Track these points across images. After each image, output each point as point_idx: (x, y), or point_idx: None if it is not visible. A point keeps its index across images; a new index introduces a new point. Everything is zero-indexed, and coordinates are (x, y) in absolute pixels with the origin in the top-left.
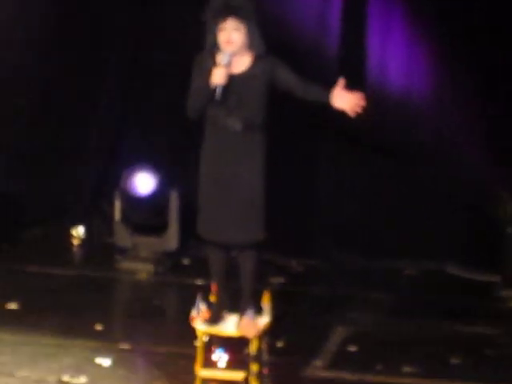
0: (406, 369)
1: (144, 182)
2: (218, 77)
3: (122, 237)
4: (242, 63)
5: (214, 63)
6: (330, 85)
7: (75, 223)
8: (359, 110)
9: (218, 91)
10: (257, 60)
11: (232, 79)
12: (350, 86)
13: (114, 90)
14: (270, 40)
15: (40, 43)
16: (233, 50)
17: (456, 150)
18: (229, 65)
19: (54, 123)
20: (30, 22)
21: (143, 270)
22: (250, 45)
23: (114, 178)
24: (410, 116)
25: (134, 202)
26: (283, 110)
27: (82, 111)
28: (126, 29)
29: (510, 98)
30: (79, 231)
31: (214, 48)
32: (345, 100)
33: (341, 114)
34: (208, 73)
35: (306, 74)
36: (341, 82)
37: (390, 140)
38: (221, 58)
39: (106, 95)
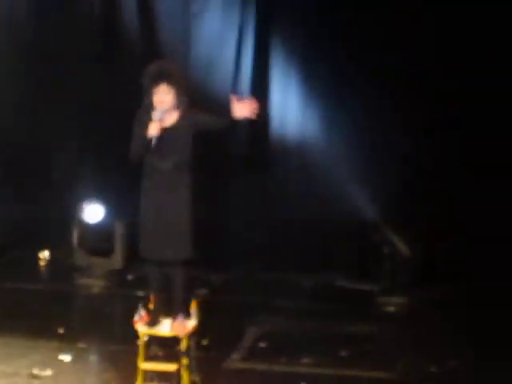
0: (305, 360)
1: (94, 213)
2: (153, 130)
3: (80, 258)
4: (172, 118)
5: (149, 119)
6: None
7: (42, 248)
8: (256, 111)
9: (154, 141)
10: (182, 115)
11: (164, 131)
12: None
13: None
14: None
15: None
16: (164, 109)
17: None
18: (161, 120)
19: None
20: None
21: (96, 285)
22: (178, 104)
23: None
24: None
25: (87, 230)
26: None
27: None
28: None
29: None
30: (45, 254)
31: (150, 107)
32: (242, 109)
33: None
34: (145, 126)
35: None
36: (232, 98)
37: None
38: (155, 115)
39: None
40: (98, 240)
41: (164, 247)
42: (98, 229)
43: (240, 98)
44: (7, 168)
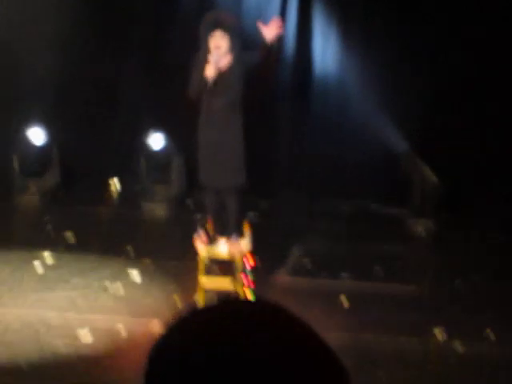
0: (344, 274)
1: (157, 143)
2: (210, 71)
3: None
4: (226, 61)
5: (206, 61)
6: None
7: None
8: (281, 28)
9: (210, 81)
10: (235, 59)
11: (219, 72)
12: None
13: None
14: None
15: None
16: (220, 52)
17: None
18: (217, 62)
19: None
20: None
21: (160, 209)
22: (231, 49)
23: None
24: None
25: (150, 159)
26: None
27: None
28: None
29: None
30: (115, 181)
31: (207, 50)
32: (270, 31)
33: None
34: (203, 68)
35: None
36: (259, 25)
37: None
38: (212, 58)
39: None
40: (159, 168)
41: (220, 176)
42: (159, 158)
43: (265, 23)
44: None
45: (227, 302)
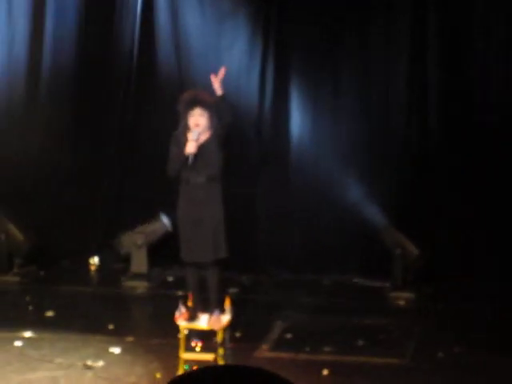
0: (326, 349)
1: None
2: (190, 148)
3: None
4: (204, 137)
5: (186, 139)
6: None
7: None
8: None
9: (191, 158)
10: (213, 135)
11: (199, 149)
12: None
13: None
14: None
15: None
16: (200, 130)
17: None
18: (197, 139)
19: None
20: None
21: (142, 287)
22: (210, 125)
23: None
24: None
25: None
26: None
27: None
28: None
29: None
30: (96, 260)
31: (186, 128)
32: (216, 83)
33: None
34: (183, 146)
35: None
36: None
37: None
38: (192, 135)
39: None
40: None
41: (201, 251)
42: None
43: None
44: None
45: (213, 368)
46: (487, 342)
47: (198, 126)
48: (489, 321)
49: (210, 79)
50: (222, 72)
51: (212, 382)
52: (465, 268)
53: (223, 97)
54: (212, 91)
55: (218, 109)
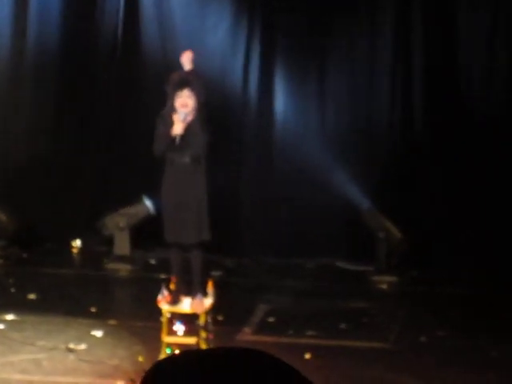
0: (310, 332)
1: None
2: (178, 129)
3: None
4: (190, 118)
5: (172, 120)
6: None
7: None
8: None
9: (178, 139)
10: (198, 115)
11: (185, 129)
12: None
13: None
14: None
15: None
16: (186, 111)
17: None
18: (184, 120)
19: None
20: None
21: (125, 269)
22: (197, 106)
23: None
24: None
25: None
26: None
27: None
28: None
29: None
30: (78, 243)
31: (173, 109)
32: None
33: None
34: (170, 126)
35: None
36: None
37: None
38: (179, 116)
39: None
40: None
41: (185, 232)
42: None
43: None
44: None
45: (196, 351)
46: (469, 326)
47: (185, 107)
48: (471, 305)
49: (195, 60)
50: (189, 54)
51: (197, 365)
52: (448, 252)
53: (196, 78)
54: (199, 71)
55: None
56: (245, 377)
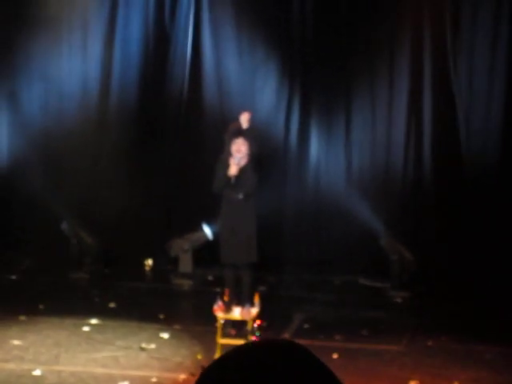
0: (337, 337)
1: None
2: (233, 170)
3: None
4: (243, 162)
5: (229, 163)
6: None
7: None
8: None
9: (233, 179)
10: (250, 160)
11: (239, 171)
12: None
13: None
14: None
15: None
16: (240, 156)
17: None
18: (239, 164)
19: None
20: None
21: (187, 284)
22: (249, 152)
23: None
24: None
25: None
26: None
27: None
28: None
29: None
30: (150, 262)
31: (229, 154)
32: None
33: None
34: (226, 168)
35: None
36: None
37: None
38: (235, 159)
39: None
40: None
41: (237, 255)
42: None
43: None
44: None
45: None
46: (471, 333)
47: (239, 152)
48: (473, 315)
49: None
50: (248, 115)
51: (244, 355)
52: (453, 271)
53: (250, 130)
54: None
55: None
56: (284, 362)
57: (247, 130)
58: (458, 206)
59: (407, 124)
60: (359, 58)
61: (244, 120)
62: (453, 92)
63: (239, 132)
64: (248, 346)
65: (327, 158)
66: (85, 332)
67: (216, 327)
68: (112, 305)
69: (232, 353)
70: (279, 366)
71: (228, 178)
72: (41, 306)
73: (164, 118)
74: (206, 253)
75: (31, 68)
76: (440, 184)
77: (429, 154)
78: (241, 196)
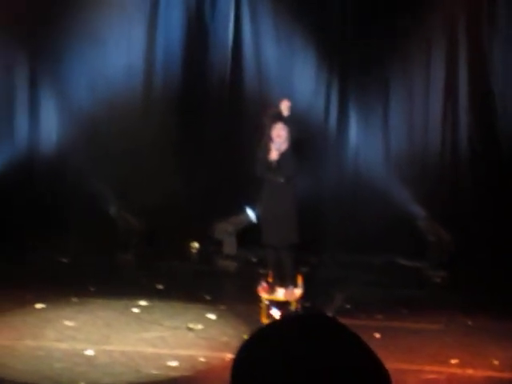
0: (378, 316)
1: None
2: (273, 155)
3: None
4: (284, 147)
5: (270, 147)
6: None
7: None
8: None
9: (274, 163)
10: (290, 145)
11: (279, 156)
12: None
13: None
14: None
15: None
16: (281, 141)
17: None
18: (279, 149)
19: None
20: None
21: (232, 265)
22: (289, 137)
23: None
24: None
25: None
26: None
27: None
28: None
29: None
30: (195, 245)
31: (270, 138)
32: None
33: None
34: (267, 152)
35: None
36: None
37: None
38: (275, 144)
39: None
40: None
41: (279, 237)
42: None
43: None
44: None
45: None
46: (510, 312)
47: (279, 137)
48: (510, 295)
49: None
50: (287, 102)
51: (283, 327)
52: (490, 251)
53: (289, 116)
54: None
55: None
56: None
57: (287, 116)
58: (494, 187)
59: (443, 108)
60: (397, 46)
61: (284, 108)
62: (488, 78)
63: (279, 117)
64: (283, 320)
65: (365, 142)
66: (134, 313)
67: (260, 308)
68: (160, 286)
69: (266, 327)
70: (313, 338)
71: (269, 163)
72: (91, 288)
73: (207, 104)
74: (250, 235)
75: (77, 57)
76: (476, 166)
77: (465, 137)
78: (282, 180)
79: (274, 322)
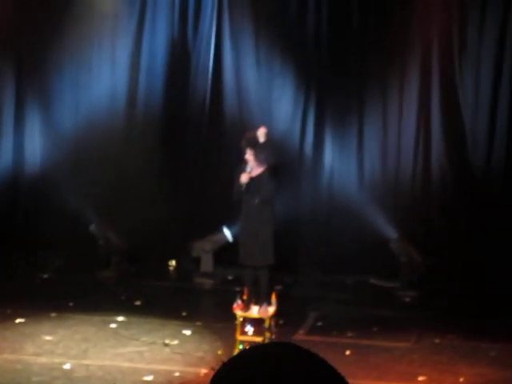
0: (349, 334)
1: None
2: (243, 178)
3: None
4: (258, 171)
5: (243, 171)
6: None
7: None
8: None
9: (243, 186)
10: (265, 169)
11: (252, 179)
12: None
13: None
14: None
15: None
16: (250, 165)
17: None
18: (250, 172)
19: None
20: None
21: (208, 283)
22: (259, 162)
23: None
24: None
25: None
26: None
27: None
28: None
29: None
30: (173, 262)
31: (245, 162)
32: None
33: None
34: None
35: None
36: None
37: None
38: (246, 168)
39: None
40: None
41: (255, 257)
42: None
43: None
44: None
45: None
46: (477, 331)
47: (248, 162)
48: (477, 314)
49: (263, 123)
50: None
51: (262, 358)
52: (460, 272)
53: (265, 144)
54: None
55: (263, 151)
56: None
57: (264, 142)
58: (465, 209)
59: (416, 133)
60: (371, 72)
61: (261, 134)
62: (459, 102)
63: (253, 143)
64: (256, 348)
65: (340, 164)
66: (112, 328)
67: (235, 324)
68: (137, 302)
69: (241, 355)
70: (286, 368)
71: (240, 185)
72: (70, 304)
73: (188, 126)
74: (226, 254)
75: (62, 79)
76: (447, 190)
77: (436, 160)
78: (256, 201)
79: (244, 350)
